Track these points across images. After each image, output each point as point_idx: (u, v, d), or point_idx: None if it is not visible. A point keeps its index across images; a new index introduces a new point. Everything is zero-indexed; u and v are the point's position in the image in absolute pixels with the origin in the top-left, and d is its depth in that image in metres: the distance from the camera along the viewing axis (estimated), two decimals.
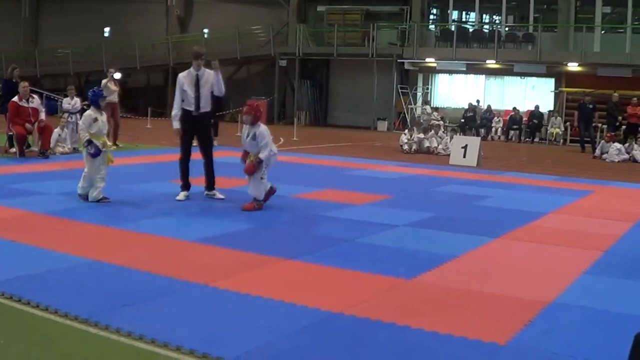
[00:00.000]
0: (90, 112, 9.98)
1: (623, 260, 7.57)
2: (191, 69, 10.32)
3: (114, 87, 17.90)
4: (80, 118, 15.86)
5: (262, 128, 9.68)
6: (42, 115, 15.52)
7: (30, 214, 8.77)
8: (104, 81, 17.97)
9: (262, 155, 9.54)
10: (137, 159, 15.54)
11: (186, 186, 10.37)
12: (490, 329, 5.03)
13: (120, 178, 11.40)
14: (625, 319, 5.40)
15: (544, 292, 6.05)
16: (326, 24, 36.91)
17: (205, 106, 10.32)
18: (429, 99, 33.75)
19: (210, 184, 10.55)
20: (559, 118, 29.38)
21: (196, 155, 10.43)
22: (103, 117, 10.06)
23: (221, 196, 10.46)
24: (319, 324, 5.03)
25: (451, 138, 21.44)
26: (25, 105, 15.25)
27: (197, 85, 10.19)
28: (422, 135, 21.81)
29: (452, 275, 6.60)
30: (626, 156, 21.76)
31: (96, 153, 9.71)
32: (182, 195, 10.29)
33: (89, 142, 9.73)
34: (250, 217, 9.15)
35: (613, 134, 23.31)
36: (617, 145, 21.91)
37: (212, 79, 10.27)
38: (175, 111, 10.23)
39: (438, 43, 33.81)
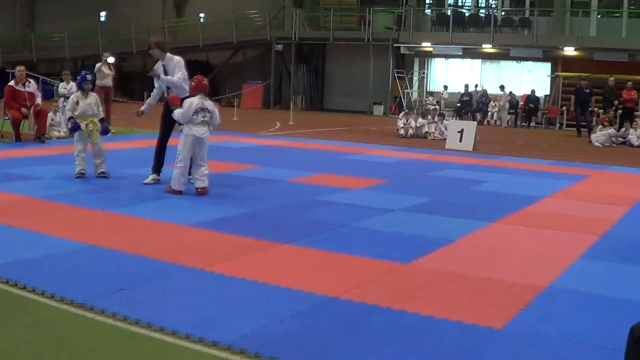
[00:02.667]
0: (73, 96, 10.75)
1: (619, 244, 7.58)
2: (160, 60, 10.27)
3: (107, 71, 17.85)
4: None
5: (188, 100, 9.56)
6: (38, 100, 15.49)
7: (26, 198, 8.75)
8: (97, 65, 17.95)
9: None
10: (133, 143, 15.51)
11: (157, 169, 10.33)
12: (486, 314, 5.04)
13: (116, 162, 11.39)
14: (621, 304, 5.41)
15: (540, 277, 6.06)
16: (322, 8, 36.84)
17: (179, 93, 10.04)
18: (445, 85, 33.46)
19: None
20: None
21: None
22: (87, 100, 10.54)
23: (149, 181, 10.24)
24: (314, 309, 5.03)
25: (441, 122, 21.49)
26: (22, 89, 15.22)
27: (165, 74, 10.13)
28: (422, 120, 21.80)
29: (448, 260, 6.60)
30: (620, 140, 21.79)
31: (74, 127, 10.47)
32: (150, 179, 10.24)
33: (69, 118, 10.59)
34: (246, 202, 9.14)
35: (606, 116, 23.29)
36: (610, 131, 21.89)
37: (177, 64, 10.11)
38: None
39: (434, 27, 33.72)
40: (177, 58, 10.22)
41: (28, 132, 15.65)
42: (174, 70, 10.08)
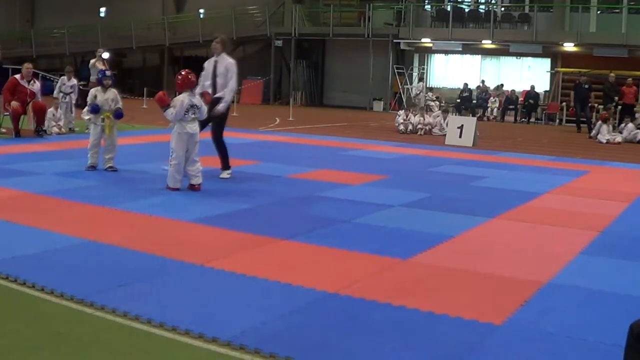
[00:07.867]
0: (93, 90, 11.13)
1: (619, 240, 7.58)
2: (214, 55, 10.52)
3: (101, 67, 17.88)
4: (75, 98, 16.40)
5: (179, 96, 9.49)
6: (38, 97, 15.61)
7: (25, 194, 8.75)
8: (92, 61, 18.03)
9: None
10: (133, 139, 15.49)
11: (226, 165, 10.65)
12: (486, 309, 5.04)
13: (116, 158, 11.38)
14: (620, 299, 5.41)
15: (540, 272, 6.06)
16: (322, 3, 36.80)
17: (220, 92, 10.41)
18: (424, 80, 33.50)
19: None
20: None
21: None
22: (105, 95, 10.87)
23: (226, 176, 10.57)
24: (314, 304, 5.03)
25: (444, 118, 21.47)
26: (25, 85, 15.25)
27: (214, 71, 10.40)
28: (420, 116, 21.78)
29: (448, 256, 6.61)
30: (617, 136, 21.77)
31: (94, 108, 10.74)
32: (225, 174, 10.61)
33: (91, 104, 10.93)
34: (246, 198, 9.14)
35: (605, 112, 23.27)
36: (606, 127, 21.89)
37: (230, 68, 10.37)
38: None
39: (434, 23, 33.67)
40: (232, 61, 10.51)
41: (27, 127, 15.63)
42: (225, 69, 10.37)
